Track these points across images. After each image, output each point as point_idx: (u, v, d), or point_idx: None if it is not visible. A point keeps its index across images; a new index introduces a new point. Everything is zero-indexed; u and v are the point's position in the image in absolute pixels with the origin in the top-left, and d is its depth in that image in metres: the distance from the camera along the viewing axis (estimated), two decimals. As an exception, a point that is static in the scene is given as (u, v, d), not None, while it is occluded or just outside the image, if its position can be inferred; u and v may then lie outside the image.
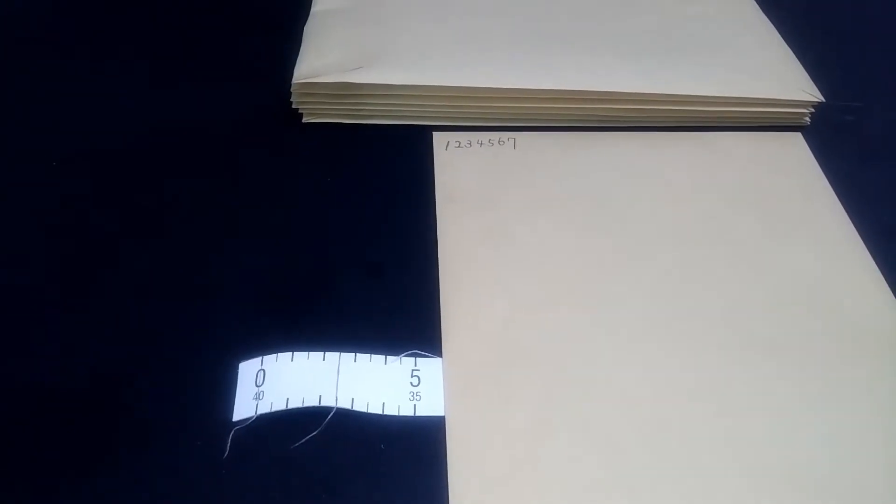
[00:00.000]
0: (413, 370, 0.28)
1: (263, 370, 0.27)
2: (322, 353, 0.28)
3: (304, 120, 0.38)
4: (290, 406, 0.26)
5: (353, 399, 0.27)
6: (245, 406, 0.27)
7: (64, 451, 0.26)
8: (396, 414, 0.27)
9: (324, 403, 0.26)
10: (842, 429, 0.27)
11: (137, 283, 0.31)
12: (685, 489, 0.25)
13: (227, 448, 0.26)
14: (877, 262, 0.32)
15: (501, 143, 0.37)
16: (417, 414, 0.27)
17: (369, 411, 0.27)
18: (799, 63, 0.39)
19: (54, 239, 0.32)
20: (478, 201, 0.34)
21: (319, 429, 0.26)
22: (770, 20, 0.42)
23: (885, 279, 0.32)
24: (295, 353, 0.28)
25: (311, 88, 0.37)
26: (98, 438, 0.26)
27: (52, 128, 0.37)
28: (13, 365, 0.28)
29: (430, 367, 0.28)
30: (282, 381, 0.27)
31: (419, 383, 0.27)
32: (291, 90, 0.37)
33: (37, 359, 0.28)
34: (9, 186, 0.34)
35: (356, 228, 0.33)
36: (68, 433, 0.26)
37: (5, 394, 0.27)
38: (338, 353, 0.28)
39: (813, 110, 0.38)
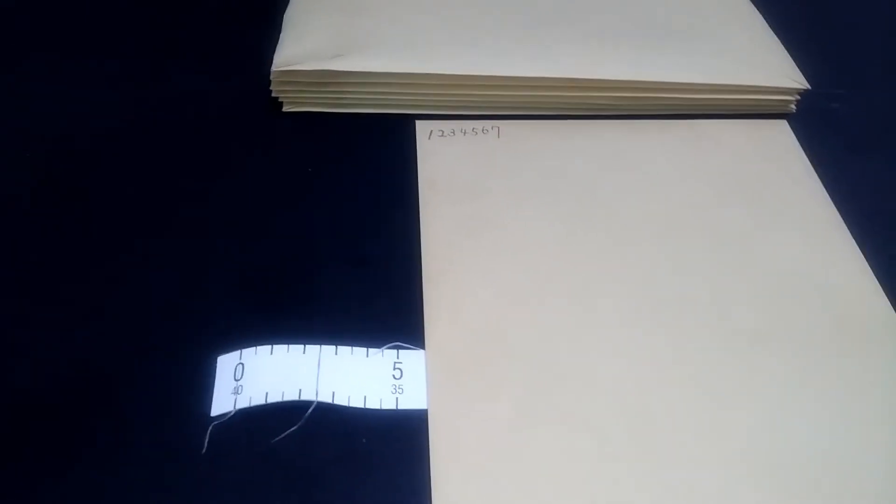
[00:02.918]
0: (395, 363, 0.27)
1: (242, 364, 0.27)
2: (302, 345, 0.27)
3: (285, 109, 0.37)
4: (269, 400, 0.26)
5: (334, 393, 0.26)
6: (223, 400, 0.26)
7: (40, 446, 0.25)
8: (378, 407, 0.26)
9: (304, 397, 0.26)
10: (827, 417, 0.27)
11: (114, 276, 0.30)
12: (670, 480, 0.25)
13: (206, 443, 0.25)
14: (862, 250, 0.32)
15: (485, 131, 0.37)
16: (400, 407, 0.26)
17: (351, 405, 0.26)
18: (784, 50, 0.39)
19: (31, 234, 0.31)
20: (461, 190, 0.34)
21: (300, 423, 0.26)
22: (756, 7, 0.42)
23: (870, 266, 0.32)
24: (274, 346, 0.27)
25: (291, 76, 0.36)
26: (75, 433, 0.25)
27: (31, 122, 0.36)
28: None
29: (412, 359, 0.28)
30: (261, 375, 0.26)
31: (401, 376, 0.27)
32: (271, 78, 0.36)
33: (13, 355, 0.27)
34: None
35: (337, 219, 0.33)
36: (45, 428, 0.25)
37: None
38: (318, 346, 0.27)
39: (798, 98, 0.38)
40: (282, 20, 0.39)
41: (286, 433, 0.25)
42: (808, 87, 0.37)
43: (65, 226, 0.32)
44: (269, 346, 0.27)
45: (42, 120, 0.37)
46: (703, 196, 0.34)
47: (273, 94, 0.37)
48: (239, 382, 0.26)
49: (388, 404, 0.26)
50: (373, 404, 0.26)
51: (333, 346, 0.27)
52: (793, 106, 0.38)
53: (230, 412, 0.26)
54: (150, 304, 0.29)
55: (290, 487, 0.24)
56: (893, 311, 0.30)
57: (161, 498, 0.24)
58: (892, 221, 0.34)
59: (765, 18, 0.41)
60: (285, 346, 0.27)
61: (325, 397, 0.26)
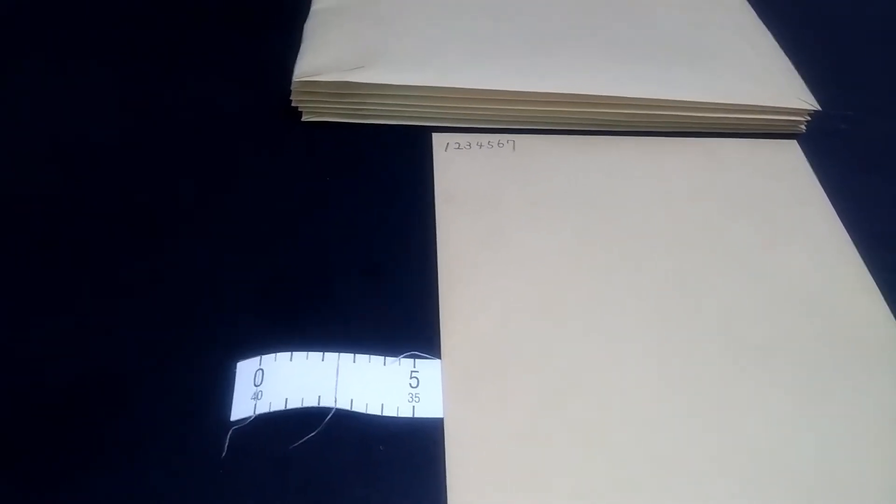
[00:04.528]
0: (412, 371, 0.28)
1: (262, 370, 0.27)
2: (321, 353, 0.28)
3: (304, 118, 0.38)
4: (288, 406, 0.26)
5: (352, 400, 0.27)
6: (243, 406, 0.26)
7: (61, 450, 0.25)
8: (395, 415, 0.27)
9: (323, 404, 0.26)
10: (834, 434, 0.27)
11: (135, 281, 0.30)
12: (681, 491, 0.25)
13: (225, 448, 0.26)
14: (869, 270, 0.33)
15: (501, 145, 0.37)
16: (416, 415, 0.27)
17: (368, 412, 0.27)
18: (795, 71, 0.40)
19: (52, 237, 0.32)
20: (477, 203, 0.34)
21: (318, 429, 0.26)
22: (767, 28, 0.43)
23: (878, 286, 0.32)
24: (294, 353, 0.28)
25: (311, 87, 0.37)
26: (96, 438, 0.26)
27: (50, 124, 0.37)
28: (9, 364, 0.28)
29: (429, 368, 0.28)
30: (280, 381, 0.27)
31: (418, 385, 0.27)
32: (291, 88, 0.37)
33: (34, 358, 0.28)
34: (3, 183, 0.34)
35: (355, 228, 0.33)
36: (66, 432, 0.26)
37: (1, 394, 0.27)
38: (337, 354, 0.28)
39: (809, 118, 0.39)
40: (302, 31, 0.39)
41: (304, 439, 0.26)
42: (819, 108, 0.38)
43: (84, 230, 0.32)
44: (289, 353, 0.28)
45: (59, 122, 0.37)
46: (714, 213, 0.35)
47: (293, 104, 0.37)
48: (259, 388, 0.27)
49: (405, 412, 0.27)
50: (390, 412, 0.27)
51: (351, 354, 0.28)
52: (803, 126, 0.39)
53: (250, 417, 0.26)
54: (171, 310, 0.30)
55: (308, 493, 0.25)
56: (901, 330, 0.31)
57: (180, 501, 0.24)
58: (899, 242, 0.35)
59: (776, 40, 0.42)
60: (304, 353, 0.28)
61: (343, 404, 0.26)
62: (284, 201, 0.34)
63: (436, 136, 0.37)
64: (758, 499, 0.25)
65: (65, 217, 0.33)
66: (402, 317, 0.30)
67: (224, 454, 0.25)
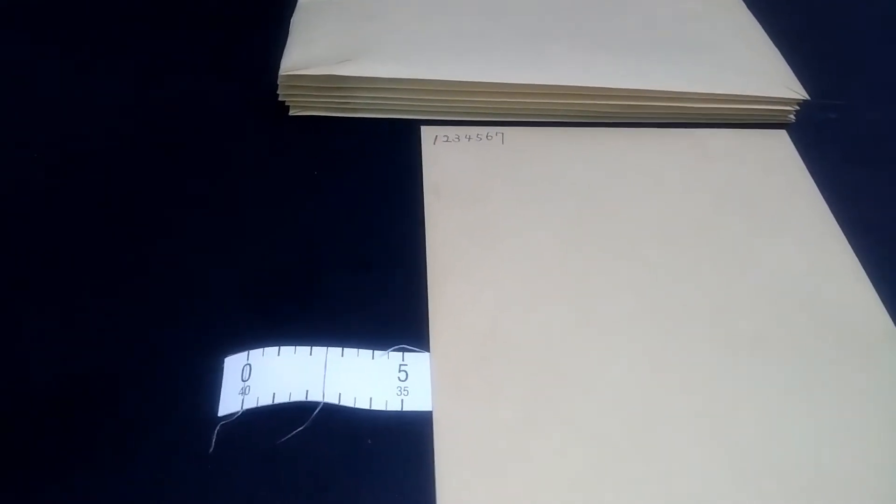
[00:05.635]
0: (400, 365, 0.28)
1: (249, 365, 0.27)
2: (309, 347, 0.28)
3: (291, 113, 0.38)
4: (276, 401, 0.26)
5: (340, 394, 0.27)
6: (231, 401, 0.26)
7: (49, 446, 0.25)
8: (384, 409, 0.27)
9: (311, 398, 0.26)
10: (825, 423, 0.27)
11: (122, 277, 0.30)
12: (671, 484, 0.25)
13: (213, 443, 0.25)
14: (859, 259, 0.33)
15: (489, 137, 0.37)
16: (405, 409, 0.27)
17: (356, 406, 0.26)
18: (784, 61, 0.40)
19: (37, 235, 0.32)
20: (465, 196, 0.34)
21: (306, 424, 0.26)
22: (756, 19, 0.43)
23: (867, 275, 0.32)
24: (281, 347, 0.28)
25: (298, 81, 0.36)
26: (83, 434, 0.26)
27: (38, 123, 0.37)
28: (-4, 361, 0.27)
29: (417, 361, 0.28)
30: (268, 376, 0.27)
31: (406, 378, 0.27)
32: (278, 82, 0.36)
33: (20, 355, 0.28)
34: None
35: (343, 222, 0.33)
36: (54, 429, 0.26)
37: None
38: (325, 348, 0.28)
39: (798, 108, 0.39)
40: (289, 25, 0.39)
41: (293, 433, 0.26)
42: (807, 97, 0.38)
43: (70, 227, 0.32)
44: (276, 348, 0.28)
45: (48, 120, 0.37)
46: (703, 204, 0.35)
47: (280, 99, 0.37)
48: (246, 383, 0.27)
49: (394, 406, 0.27)
50: (378, 406, 0.27)
51: (340, 348, 0.28)
52: (792, 116, 0.39)
53: (237, 412, 0.26)
54: (159, 306, 0.29)
55: (296, 487, 0.25)
56: (890, 319, 0.31)
57: (168, 497, 0.24)
58: (889, 231, 0.35)
59: (765, 30, 0.42)
60: (292, 347, 0.28)
61: (331, 398, 0.26)
62: (272, 196, 0.34)
63: (424, 129, 0.37)
64: (750, 489, 0.25)
65: (50, 214, 0.33)
66: (390, 310, 0.30)
67: (212, 449, 0.25)
